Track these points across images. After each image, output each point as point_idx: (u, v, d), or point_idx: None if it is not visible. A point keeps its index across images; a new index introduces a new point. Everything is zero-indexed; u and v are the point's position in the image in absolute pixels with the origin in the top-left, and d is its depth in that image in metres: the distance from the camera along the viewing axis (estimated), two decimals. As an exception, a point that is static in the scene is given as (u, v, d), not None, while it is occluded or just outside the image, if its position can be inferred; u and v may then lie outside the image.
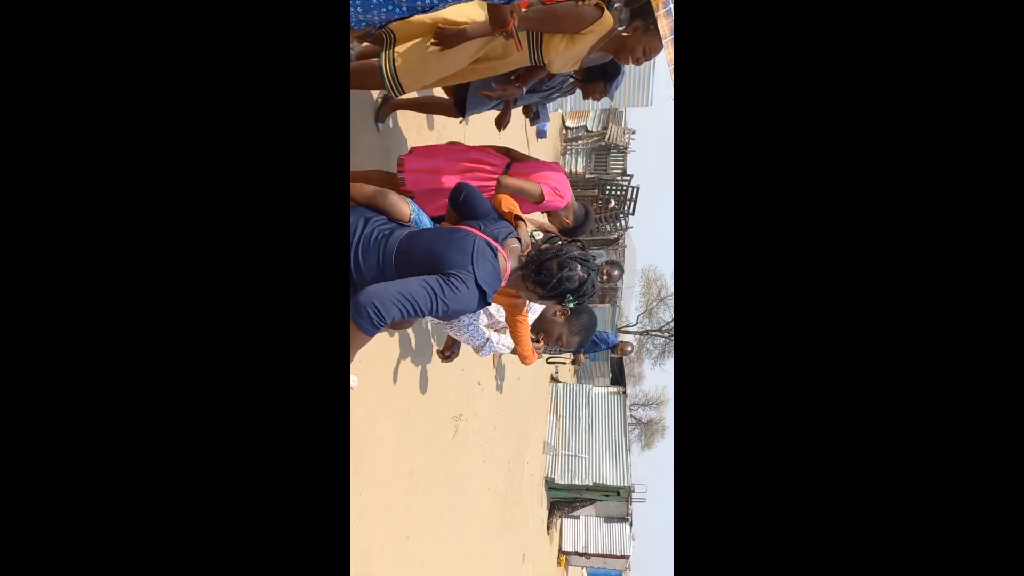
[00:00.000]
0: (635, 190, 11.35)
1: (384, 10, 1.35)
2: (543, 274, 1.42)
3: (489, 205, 1.56)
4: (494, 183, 2.00)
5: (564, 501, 11.77)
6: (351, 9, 1.30)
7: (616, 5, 1.76)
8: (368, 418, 2.68)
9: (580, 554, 13.91)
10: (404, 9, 1.37)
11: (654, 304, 27.26)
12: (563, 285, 1.41)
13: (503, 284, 1.42)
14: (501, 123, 2.60)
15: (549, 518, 11.35)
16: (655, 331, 26.35)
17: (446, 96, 2.61)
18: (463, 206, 1.53)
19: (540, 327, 2.05)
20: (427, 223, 1.59)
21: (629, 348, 4.64)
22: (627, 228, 12.29)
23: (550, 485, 10.93)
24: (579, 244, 1.47)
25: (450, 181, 1.93)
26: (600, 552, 13.56)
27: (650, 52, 1.75)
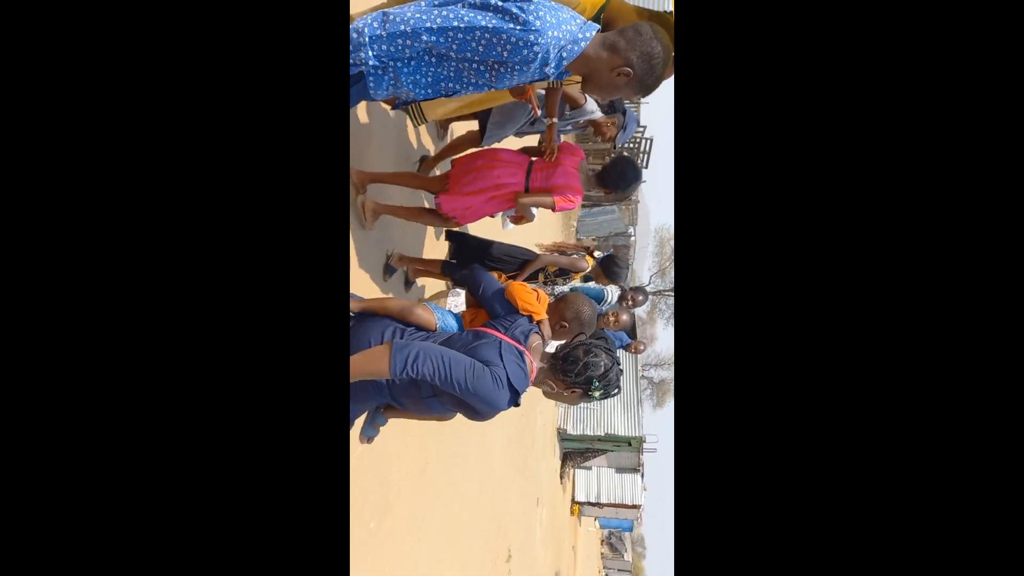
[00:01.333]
0: (648, 142, 11.12)
1: (409, 91, 1.37)
2: (569, 361, 1.49)
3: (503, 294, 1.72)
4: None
5: (576, 452, 12.03)
6: (380, 82, 1.33)
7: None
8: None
9: (592, 504, 14.31)
10: (429, 92, 1.39)
11: (667, 264, 27.04)
12: (588, 371, 1.46)
13: (530, 383, 1.50)
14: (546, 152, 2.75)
15: (562, 468, 11.61)
16: (668, 291, 26.23)
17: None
18: (481, 298, 1.73)
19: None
20: (453, 325, 1.76)
21: (642, 347, 4.85)
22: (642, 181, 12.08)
23: (562, 436, 11.15)
24: (603, 337, 1.57)
25: (483, 209, 2.45)
26: (612, 502, 13.94)
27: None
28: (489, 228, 3.92)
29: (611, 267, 3.24)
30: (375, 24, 1.26)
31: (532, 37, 1.23)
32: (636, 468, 13.25)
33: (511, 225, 4.19)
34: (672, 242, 27.02)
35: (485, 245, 2.97)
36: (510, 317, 1.62)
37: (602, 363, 1.47)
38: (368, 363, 1.32)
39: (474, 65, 1.31)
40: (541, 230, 6.83)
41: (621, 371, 1.53)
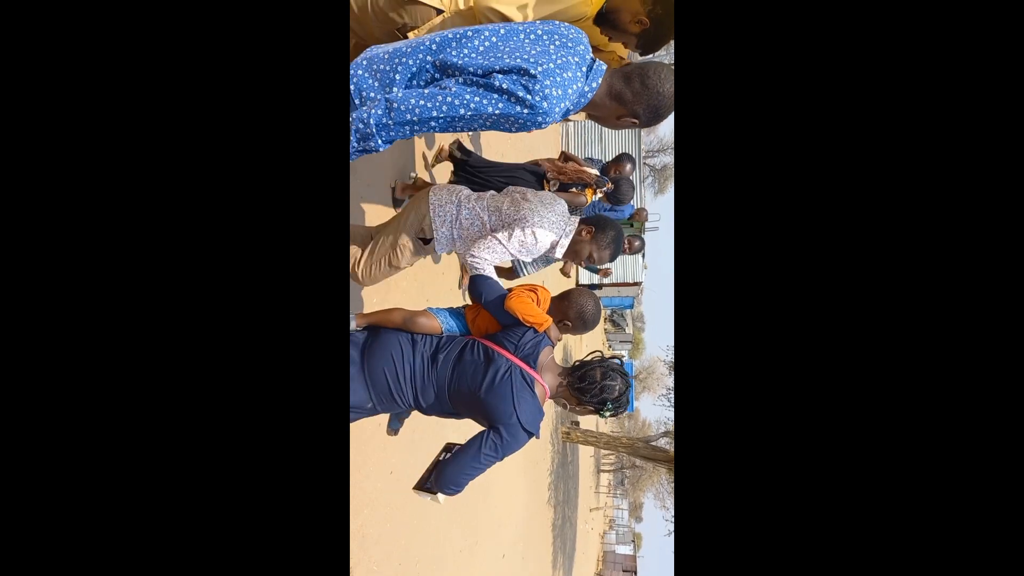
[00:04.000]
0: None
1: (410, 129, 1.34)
2: (586, 381, 1.53)
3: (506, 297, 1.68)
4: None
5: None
6: (386, 146, 1.30)
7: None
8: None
9: (594, 286, 15.07)
10: (436, 132, 1.35)
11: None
12: (604, 394, 1.52)
13: (544, 404, 1.55)
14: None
15: (565, 253, 11.90)
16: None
17: None
18: (484, 306, 1.70)
19: (570, 252, 1.88)
20: (455, 327, 1.75)
21: (645, 214, 5.08)
22: None
23: (565, 223, 11.18)
24: (617, 360, 1.58)
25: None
26: (614, 281, 14.63)
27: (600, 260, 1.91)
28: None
29: (618, 195, 3.48)
30: (379, 112, 1.23)
31: (540, 118, 1.22)
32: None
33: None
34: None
35: (488, 164, 3.05)
36: (516, 331, 1.63)
37: (617, 387, 1.52)
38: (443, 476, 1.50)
39: (483, 128, 1.30)
40: None
41: (631, 386, 1.60)
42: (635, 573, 26.67)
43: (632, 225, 4.95)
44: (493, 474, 4.36)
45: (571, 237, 1.83)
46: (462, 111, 1.19)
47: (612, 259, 1.91)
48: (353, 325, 1.73)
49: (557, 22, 1.35)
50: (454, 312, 1.80)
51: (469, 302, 1.88)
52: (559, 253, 1.84)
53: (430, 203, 1.88)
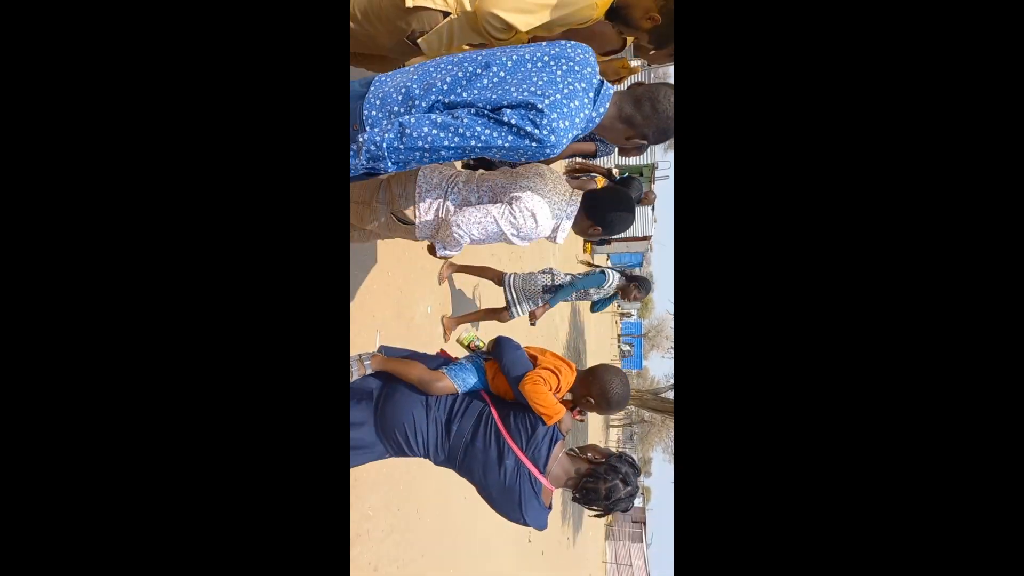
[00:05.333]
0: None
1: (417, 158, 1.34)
2: (590, 495, 1.53)
3: (527, 367, 1.63)
4: None
5: (587, 189, 11.99)
6: (390, 156, 1.29)
7: None
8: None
9: (603, 241, 14.89)
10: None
11: None
12: (610, 498, 1.52)
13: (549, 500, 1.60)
14: None
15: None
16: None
17: None
18: (504, 374, 1.65)
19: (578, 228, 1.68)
20: (474, 382, 1.69)
21: (653, 196, 5.11)
22: None
23: (573, 175, 10.97)
24: (628, 461, 1.56)
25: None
26: (622, 236, 14.44)
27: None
28: None
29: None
30: (391, 136, 1.24)
31: (548, 150, 1.24)
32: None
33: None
34: None
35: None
36: (530, 419, 1.58)
37: (622, 493, 1.51)
38: None
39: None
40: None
41: (638, 481, 1.60)
42: (644, 524, 27.43)
43: (642, 174, 4.86)
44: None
45: (573, 220, 1.62)
46: (472, 143, 1.22)
47: (621, 229, 1.69)
48: (367, 369, 1.69)
49: (564, 43, 1.34)
50: (472, 367, 1.70)
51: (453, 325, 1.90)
52: (561, 238, 1.62)
53: (418, 184, 1.63)
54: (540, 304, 3.61)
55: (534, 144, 1.21)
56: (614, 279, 3.65)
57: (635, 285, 3.76)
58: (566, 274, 3.65)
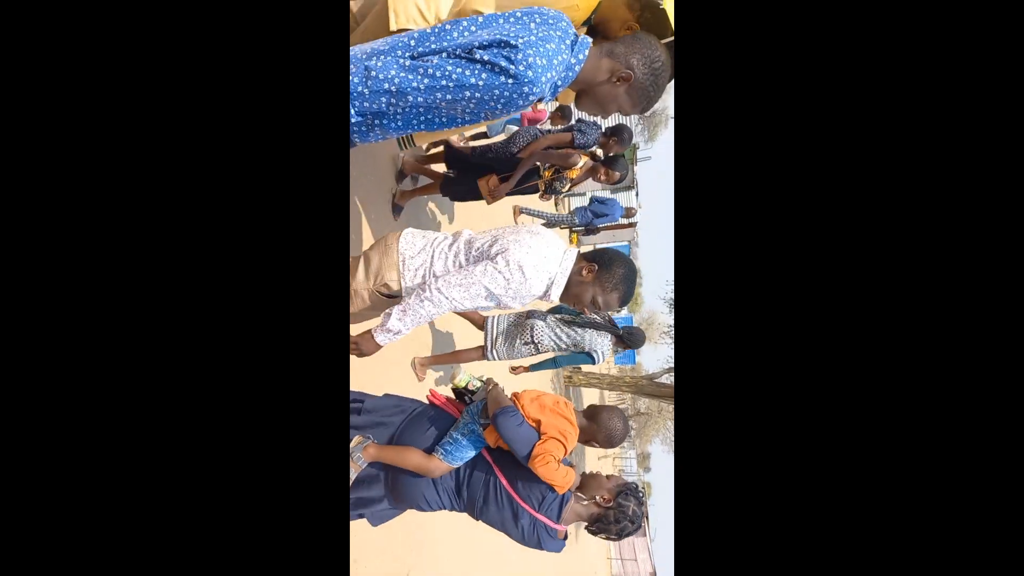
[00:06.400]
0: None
1: (400, 133, 1.30)
2: (601, 530, 1.68)
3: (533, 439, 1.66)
4: None
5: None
6: (366, 137, 1.27)
7: None
8: None
9: (589, 231, 14.77)
10: (422, 130, 1.27)
11: None
12: (621, 531, 1.67)
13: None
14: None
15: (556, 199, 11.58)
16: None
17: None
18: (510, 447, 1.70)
19: (569, 295, 1.56)
20: (469, 454, 1.72)
21: (635, 211, 4.90)
22: None
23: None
24: (633, 494, 1.68)
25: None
26: (607, 224, 14.31)
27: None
28: None
29: (620, 138, 3.53)
30: (355, 80, 1.16)
31: (526, 89, 1.16)
32: (631, 186, 13.23)
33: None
34: None
35: (479, 152, 3.06)
36: (539, 487, 1.67)
37: (631, 529, 1.66)
38: None
39: (467, 113, 1.21)
40: None
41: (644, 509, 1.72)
42: (647, 518, 27.33)
43: (624, 155, 4.67)
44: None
45: (568, 276, 1.46)
46: (444, 82, 1.15)
47: (623, 302, 1.52)
48: (362, 464, 1.70)
49: (537, 6, 1.30)
50: (467, 441, 1.71)
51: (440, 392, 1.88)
52: (555, 295, 1.46)
53: (400, 252, 1.51)
54: (523, 355, 3.14)
55: (510, 81, 1.13)
56: (604, 356, 3.21)
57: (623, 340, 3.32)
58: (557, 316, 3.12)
